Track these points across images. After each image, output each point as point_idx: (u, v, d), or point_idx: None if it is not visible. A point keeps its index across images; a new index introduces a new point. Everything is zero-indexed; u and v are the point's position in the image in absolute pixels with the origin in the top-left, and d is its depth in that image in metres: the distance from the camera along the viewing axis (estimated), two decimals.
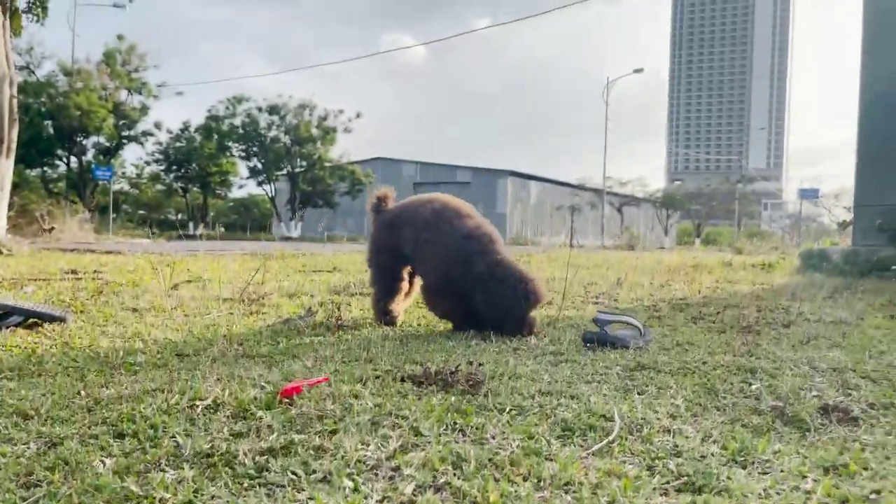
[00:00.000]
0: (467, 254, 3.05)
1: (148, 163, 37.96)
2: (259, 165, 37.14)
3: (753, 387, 2.13)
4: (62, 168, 31.44)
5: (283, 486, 1.26)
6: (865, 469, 1.42)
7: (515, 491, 1.25)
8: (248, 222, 52.91)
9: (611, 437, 1.56)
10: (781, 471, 1.40)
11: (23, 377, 2.10)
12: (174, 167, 38.11)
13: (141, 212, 46.22)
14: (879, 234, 8.11)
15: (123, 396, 1.80)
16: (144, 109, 31.56)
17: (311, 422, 1.60)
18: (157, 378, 2.05)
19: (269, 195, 39.91)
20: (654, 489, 1.29)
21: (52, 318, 3.07)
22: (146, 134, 33.12)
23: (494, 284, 2.98)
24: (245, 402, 1.73)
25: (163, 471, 1.30)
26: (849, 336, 3.23)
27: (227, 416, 1.64)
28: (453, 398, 1.85)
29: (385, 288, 3.32)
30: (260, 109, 36.22)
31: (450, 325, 3.26)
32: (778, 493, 1.29)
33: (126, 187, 40.49)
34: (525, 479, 1.31)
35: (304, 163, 36.85)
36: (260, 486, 1.26)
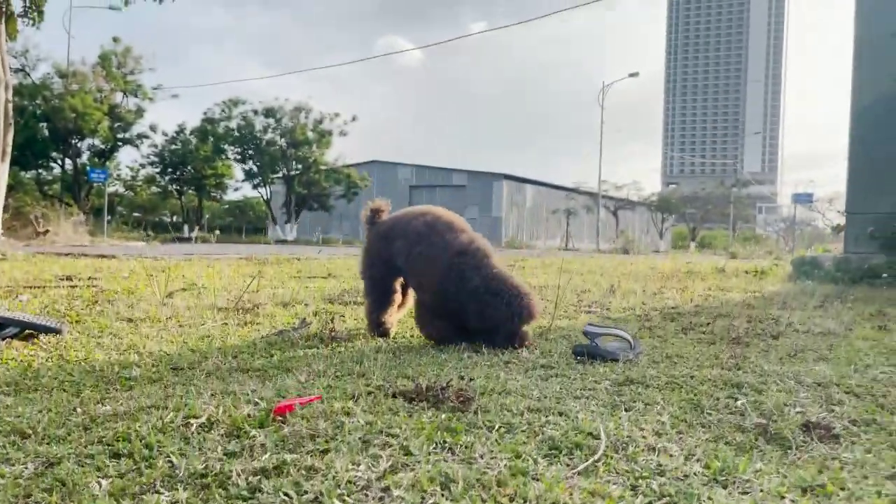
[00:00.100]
0: (462, 269, 3.08)
1: (143, 165, 37.92)
2: (254, 168, 37.15)
3: (739, 402, 2.17)
4: (57, 170, 31.38)
5: None
6: (842, 489, 1.46)
7: None
8: (244, 225, 52.86)
9: (596, 457, 1.59)
10: (761, 491, 1.44)
11: (19, 392, 2.12)
12: (169, 170, 38.08)
13: (136, 214, 46.14)
14: (871, 242, 8.18)
15: (119, 414, 1.83)
16: (140, 112, 31.56)
17: (303, 441, 1.63)
18: (152, 394, 2.08)
19: (265, 198, 39.91)
20: None
21: (47, 330, 3.09)
22: (141, 136, 33.10)
23: (490, 298, 3.01)
24: (239, 420, 1.76)
25: (157, 492, 1.33)
26: (836, 348, 3.28)
27: (221, 435, 1.67)
28: (443, 415, 1.88)
29: (378, 300, 3.35)
30: (256, 112, 36.25)
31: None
32: None
33: (121, 189, 40.40)
34: (511, 500, 1.35)
35: (299, 166, 36.87)
36: None
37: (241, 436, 1.67)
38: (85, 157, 30.74)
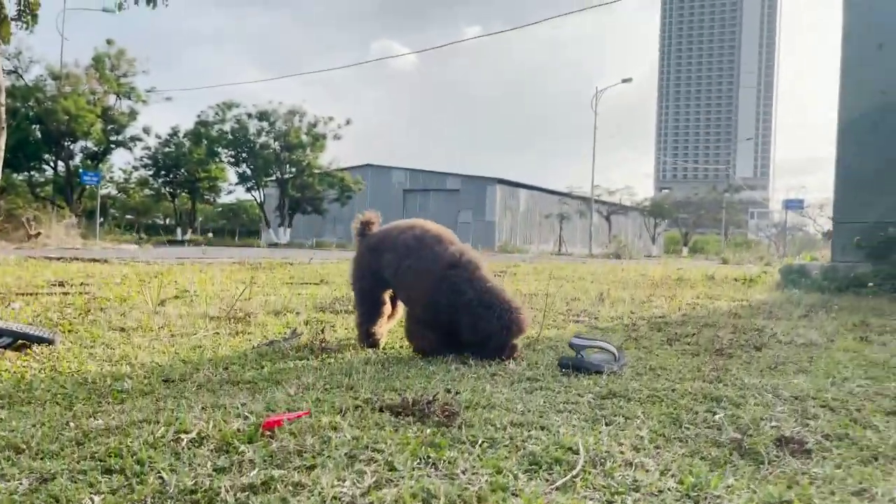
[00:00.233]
0: (454, 282, 3.12)
1: (136, 168, 37.85)
2: (248, 171, 37.12)
3: (717, 416, 2.23)
4: (49, 172, 31.29)
5: None
6: None
7: None
8: (237, 228, 52.79)
9: (574, 472, 1.65)
10: None
11: (13, 405, 2.17)
12: (163, 172, 38.02)
13: (128, 216, 46.03)
14: (857, 251, 8.29)
15: (111, 428, 1.87)
16: (133, 114, 31.51)
17: (290, 456, 1.68)
18: (143, 407, 2.12)
19: (258, 201, 39.87)
20: None
21: (40, 340, 3.13)
22: (134, 139, 33.07)
23: (482, 311, 3.06)
24: (228, 435, 1.81)
25: None
26: (816, 360, 3.34)
27: (211, 450, 1.71)
28: (428, 430, 1.93)
29: (367, 311, 3.40)
30: (249, 115, 36.24)
31: None
32: None
33: (114, 192, 40.31)
34: None
35: (293, 169, 36.86)
36: None
37: (230, 451, 1.72)
38: (78, 160, 30.66)
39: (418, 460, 1.70)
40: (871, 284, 7.46)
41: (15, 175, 29.39)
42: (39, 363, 2.84)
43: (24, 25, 12.70)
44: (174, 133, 37.34)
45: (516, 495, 1.51)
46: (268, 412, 2.07)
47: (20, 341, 3.12)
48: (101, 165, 31.49)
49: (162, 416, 1.98)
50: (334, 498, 1.45)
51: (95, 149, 31.07)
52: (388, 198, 44.96)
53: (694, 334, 4.19)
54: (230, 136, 36.28)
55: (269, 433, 1.83)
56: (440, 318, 3.15)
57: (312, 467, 1.62)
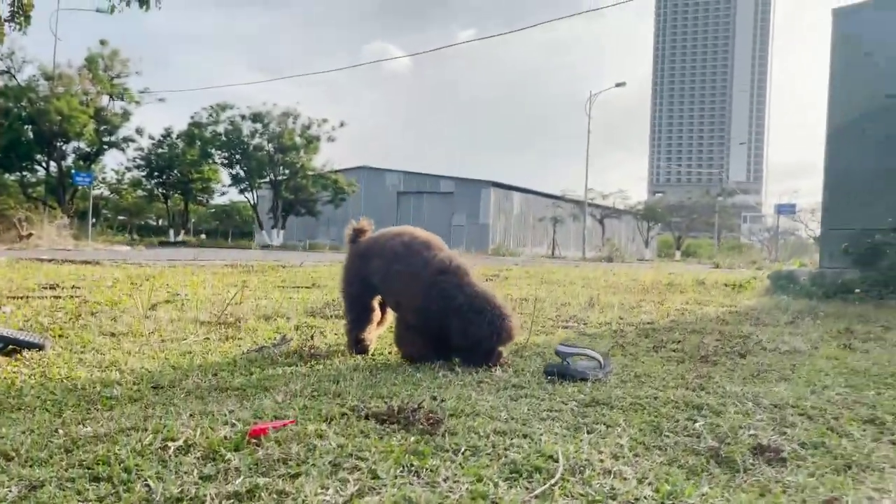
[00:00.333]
0: (444, 287, 3.16)
1: (129, 168, 37.79)
2: (241, 173, 37.10)
3: (697, 424, 2.27)
4: (41, 173, 31.20)
5: None
6: None
7: None
8: (230, 229, 52.69)
9: (553, 480, 1.69)
10: None
11: (3, 412, 2.19)
12: (156, 173, 37.96)
13: (121, 217, 45.90)
14: (845, 257, 8.37)
15: (99, 436, 1.90)
16: (126, 115, 31.49)
17: (275, 465, 1.71)
18: (132, 414, 2.15)
19: (252, 203, 39.83)
20: None
21: (30, 346, 3.15)
22: (127, 140, 33.01)
23: (473, 316, 3.09)
24: (215, 443, 1.84)
25: None
26: (798, 368, 3.40)
27: (198, 458, 1.75)
28: (412, 438, 1.97)
29: (357, 318, 3.44)
30: (243, 117, 36.23)
31: None
32: None
33: (106, 193, 40.21)
34: None
35: (286, 171, 36.86)
36: None
37: (216, 459, 1.75)
38: (70, 160, 30.58)
39: (401, 468, 1.74)
40: (857, 291, 7.54)
41: (7, 175, 29.31)
42: (30, 369, 2.87)
43: (18, 27, 12.62)
44: (167, 134, 37.31)
45: (496, 503, 1.55)
46: (255, 420, 2.10)
47: (10, 346, 3.14)
48: (93, 166, 31.42)
49: (150, 424, 2.01)
50: None
51: (88, 149, 31.01)
52: (382, 200, 44.99)
53: (680, 341, 4.24)
54: (224, 138, 36.26)
55: (255, 441, 1.87)
56: (430, 324, 3.18)
57: (297, 475, 1.65)
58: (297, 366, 3.11)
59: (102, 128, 30.29)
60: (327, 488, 1.58)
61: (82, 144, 30.46)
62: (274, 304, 5.58)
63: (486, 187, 44.09)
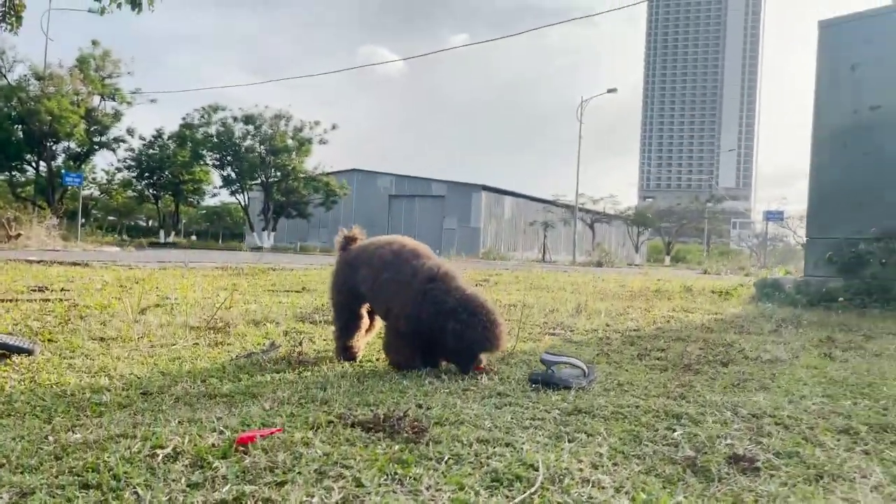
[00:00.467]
0: (434, 294, 3.20)
1: (119, 169, 37.64)
2: (233, 175, 37.03)
3: (676, 434, 2.32)
4: (31, 173, 31.03)
5: None
6: None
7: None
8: (221, 231, 52.52)
9: (533, 489, 1.74)
10: None
11: None
12: (146, 174, 37.83)
13: (111, 218, 45.67)
14: (829, 266, 8.48)
15: (89, 442, 1.94)
16: (117, 116, 31.39)
17: (262, 472, 1.75)
18: (121, 421, 2.18)
19: (243, 205, 39.74)
20: None
21: (20, 351, 3.17)
22: (118, 140, 32.92)
23: (468, 318, 3.12)
24: (203, 450, 1.87)
25: None
26: (778, 377, 3.46)
27: (186, 466, 1.78)
28: (397, 447, 2.01)
29: (345, 325, 3.48)
30: (235, 119, 36.20)
31: None
32: None
33: (96, 193, 40.02)
34: None
35: (278, 173, 36.81)
36: None
37: (204, 467, 1.78)
38: (60, 161, 30.43)
39: (385, 476, 1.78)
40: (841, 299, 7.65)
41: None
42: (19, 374, 2.89)
43: (9, 27, 12.62)
44: (159, 135, 37.20)
45: None
46: (243, 427, 2.14)
47: (0, 352, 3.16)
48: (83, 166, 31.28)
49: (139, 431, 2.04)
50: None
51: (78, 150, 30.88)
52: (373, 203, 45.02)
53: (665, 349, 4.30)
54: (215, 139, 36.20)
55: (242, 449, 1.90)
56: (421, 331, 3.22)
57: (283, 483, 1.69)
58: (285, 372, 3.14)
59: (93, 128, 30.19)
60: (313, 496, 1.62)
61: (72, 145, 30.35)
62: (263, 308, 5.61)
63: (477, 191, 44.21)
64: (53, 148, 29.68)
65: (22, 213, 22.73)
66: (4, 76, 27.77)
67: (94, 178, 38.44)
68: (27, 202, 27.96)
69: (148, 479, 1.68)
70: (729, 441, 2.25)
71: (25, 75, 28.29)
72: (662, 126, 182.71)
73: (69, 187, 28.39)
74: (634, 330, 5.35)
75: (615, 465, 1.99)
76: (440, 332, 3.14)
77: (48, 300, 5.54)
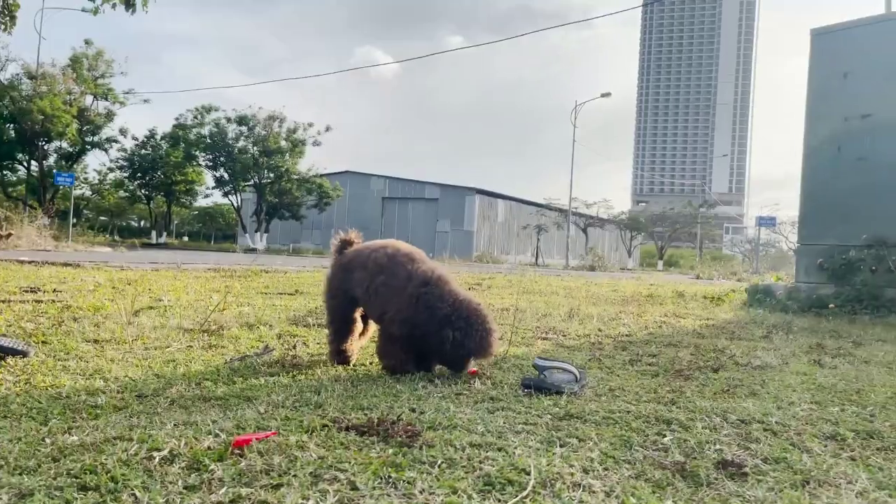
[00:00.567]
0: (428, 298, 3.23)
1: (111, 169, 37.50)
2: (226, 175, 36.94)
3: (666, 439, 2.36)
4: (22, 172, 30.89)
5: None
6: None
7: None
8: (213, 232, 52.36)
9: (524, 493, 1.76)
10: None
11: None
12: (139, 174, 37.69)
13: (102, 218, 45.47)
14: (820, 273, 8.56)
15: (86, 445, 1.95)
16: (110, 116, 31.29)
17: (258, 475, 1.77)
18: (117, 424, 2.20)
19: (235, 206, 39.65)
20: None
21: (14, 353, 3.18)
22: (111, 140, 32.81)
23: (463, 323, 3.15)
24: (199, 453, 1.89)
25: None
26: (768, 384, 3.50)
27: (182, 468, 1.80)
28: (391, 450, 2.04)
29: (339, 329, 3.50)
30: (228, 120, 36.15)
31: None
32: None
33: (88, 193, 39.85)
34: None
35: (271, 174, 36.76)
36: None
37: (200, 469, 1.80)
38: (52, 160, 30.31)
39: (379, 480, 1.80)
40: (831, 306, 7.72)
41: None
42: (14, 376, 2.89)
43: (3, 27, 12.53)
44: (151, 135, 37.08)
45: None
46: (238, 430, 2.16)
47: None
48: (75, 166, 31.16)
49: (135, 434, 2.06)
50: None
51: (70, 149, 30.75)
52: (367, 205, 45.01)
53: (656, 355, 4.34)
54: (208, 140, 36.13)
55: (238, 452, 1.92)
56: (414, 335, 3.25)
57: (279, 486, 1.71)
58: (279, 376, 3.16)
59: (85, 128, 30.09)
60: (308, 499, 1.64)
61: (64, 144, 30.23)
62: (257, 311, 5.62)
63: (470, 194, 44.28)
64: (45, 147, 29.58)
65: (13, 213, 22.62)
66: None
67: (85, 178, 38.28)
68: (18, 202, 27.83)
69: (145, 481, 1.70)
70: (718, 446, 2.29)
71: (18, 74, 28.25)
72: (656, 131, 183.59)
73: (61, 187, 28.28)
74: (626, 335, 5.39)
75: (606, 469, 2.02)
76: (434, 336, 3.17)
77: (41, 301, 5.54)
